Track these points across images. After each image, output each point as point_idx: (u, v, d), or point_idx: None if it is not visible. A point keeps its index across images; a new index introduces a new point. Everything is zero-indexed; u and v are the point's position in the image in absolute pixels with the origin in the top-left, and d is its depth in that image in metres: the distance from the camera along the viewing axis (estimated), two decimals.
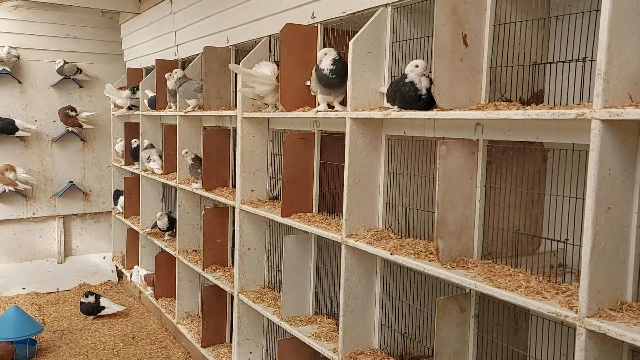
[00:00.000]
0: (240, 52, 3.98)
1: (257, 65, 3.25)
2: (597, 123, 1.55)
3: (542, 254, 2.24)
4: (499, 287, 1.88)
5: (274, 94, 3.19)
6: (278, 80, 3.09)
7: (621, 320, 1.56)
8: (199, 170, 4.12)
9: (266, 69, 3.19)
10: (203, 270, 4.09)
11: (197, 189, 4.16)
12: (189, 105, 4.24)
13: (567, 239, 1.95)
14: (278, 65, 3.13)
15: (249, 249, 3.61)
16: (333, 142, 3.09)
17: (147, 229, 5.23)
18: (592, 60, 1.82)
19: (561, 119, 1.67)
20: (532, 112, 1.76)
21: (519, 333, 2.28)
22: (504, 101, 2.14)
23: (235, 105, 3.72)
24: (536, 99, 2.23)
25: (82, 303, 5.33)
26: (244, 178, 3.57)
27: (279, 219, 3.12)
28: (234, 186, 3.82)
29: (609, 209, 1.60)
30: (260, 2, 3.59)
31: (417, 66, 2.23)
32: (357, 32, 2.55)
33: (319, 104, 2.86)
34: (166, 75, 4.48)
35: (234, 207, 3.69)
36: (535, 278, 1.93)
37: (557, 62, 2.06)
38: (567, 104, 2.03)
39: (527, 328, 2.28)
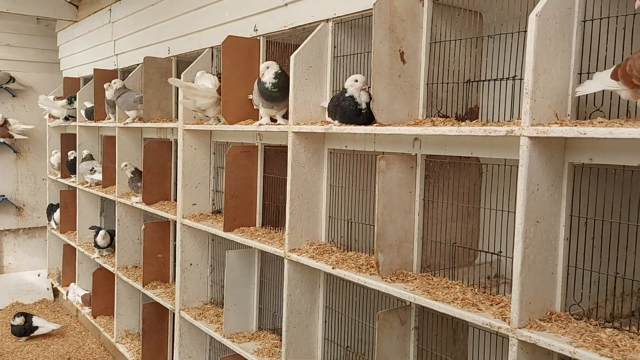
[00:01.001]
0: (182, 62, 3.92)
1: (198, 77, 3.20)
2: (526, 140, 1.61)
3: (480, 265, 2.30)
4: (436, 300, 1.91)
5: (216, 107, 3.14)
6: (220, 93, 3.05)
7: (550, 330, 1.61)
8: (139, 184, 4.00)
9: (207, 82, 3.15)
10: (143, 286, 3.96)
11: (137, 202, 4.04)
12: (129, 117, 4.13)
13: (500, 252, 2.01)
14: (220, 78, 3.09)
15: (190, 264, 3.53)
16: (277, 155, 3.08)
17: (91, 245, 5.03)
18: (521, 79, 1.89)
19: (492, 135, 1.73)
20: (466, 129, 1.81)
21: (457, 343, 2.33)
22: (440, 117, 2.20)
23: (177, 117, 3.65)
24: (471, 114, 2.30)
25: (12, 325, 5.05)
26: (186, 191, 3.49)
27: (221, 233, 3.07)
28: (176, 200, 3.74)
29: (538, 222, 1.66)
30: (202, 13, 3.55)
31: (356, 81, 2.25)
32: (299, 45, 2.56)
33: (261, 117, 2.84)
34: (105, 86, 4.34)
35: (175, 222, 3.61)
36: (472, 290, 1.97)
37: (489, 80, 2.13)
38: (499, 120, 2.11)
39: (466, 338, 2.33)
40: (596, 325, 1.64)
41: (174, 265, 3.93)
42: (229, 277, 3.07)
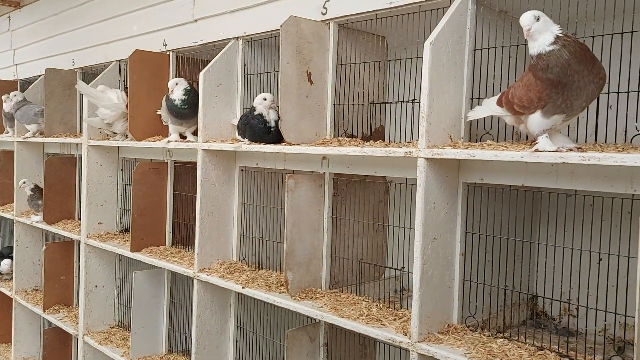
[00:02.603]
0: (88, 75, 3.75)
1: (104, 91, 3.08)
2: (422, 161, 1.69)
3: (387, 279, 2.38)
4: (342, 317, 1.94)
5: (123, 123, 3.04)
6: (127, 108, 2.96)
7: (447, 343, 1.69)
8: (40, 202, 3.77)
9: (113, 95, 3.04)
10: (44, 311, 3.72)
11: (37, 222, 3.80)
12: (29, 131, 3.89)
13: (403, 267, 2.09)
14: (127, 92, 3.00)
15: (96, 286, 3.36)
16: (188, 172, 3.02)
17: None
18: (420, 102, 1.98)
19: (392, 156, 1.80)
20: (368, 150, 1.87)
21: (366, 358, 2.38)
22: (347, 137, 2.26)
23: (82, 132, 3.48)
24: (377, 134, 2.38)
25: None
26: (91, 210, 3.33)
27: (128, 253, 2.96)
28: (80, 219, 3.55)
29: (435, 239, 1.74)
30: (110, 25, 3.43)
31: (264, 99, 2.27)
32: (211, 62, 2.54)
33: (170, 134, 2.78)
34: (3, 97, 4.07)
35: (79, 242, 3.42)
36: (377, 305, 2.03)
37: (391, 102, 2.22)
38: (404, 141, 2.20)
39: (374, 352, 2.39)
40: (489, 335, 1.74)
41: (79, 288, 3.72)
42: (137, 299, 2.95)
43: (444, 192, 1.76)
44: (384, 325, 1.86)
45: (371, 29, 2.27)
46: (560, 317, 2.12)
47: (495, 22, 1.84)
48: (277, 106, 2.20)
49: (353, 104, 2.27)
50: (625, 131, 1.73)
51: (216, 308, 2.61)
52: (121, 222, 3.46)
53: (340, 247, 2.28)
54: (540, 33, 1.40)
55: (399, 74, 2.27)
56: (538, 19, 1.41)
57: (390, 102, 2.22)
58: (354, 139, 2.20)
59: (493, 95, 1.73)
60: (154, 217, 3.01)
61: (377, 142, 2.10)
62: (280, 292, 2.23)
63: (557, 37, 1.38)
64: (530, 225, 2.05)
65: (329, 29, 2.22)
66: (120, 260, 3.43)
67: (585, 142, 1.67)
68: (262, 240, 2.61)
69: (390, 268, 2.19)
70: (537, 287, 2.13)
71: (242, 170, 2.63)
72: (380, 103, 2.31)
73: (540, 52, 1.39)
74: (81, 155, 3.46)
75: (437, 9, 1.89)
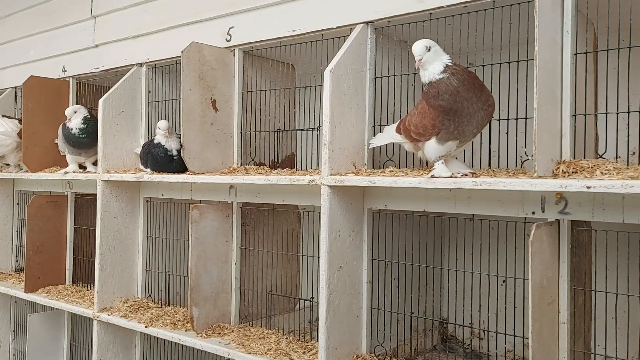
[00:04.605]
0: None
1: None
2: (326, 189, 1.67)
3: (301, 310, 2.32)
4: (250, 353, 1.86)
5: (17, 153, 2.82)
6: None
7: None
8: None
9: (5, 125, 2.82)
10: None
11: None
12: None
13: (312, 297, 2.04)
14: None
15: None
16: (89, 204, 2.83)
17: None
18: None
19: (297, 184, 1.76)
20: (273, 178, 1.83)
21: None
22: (255, 165, 2.21)
23: None
24: (288, 162, 2.35)
25: None
26: None
27: (22, 294, 2.72)
28: None
29: (341, 267, 1.71)
30: (4, 49, 3.22)
31: (159, 128, 2.18)
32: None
33: (69, 165, 2.61)
34: None
35: None
36: (287, 338, 1.96)
37: (299, 130, 2.20)
38: (312, 168, 2.18)
39: None
40: None
41: None
42: (32, 344, 2.71)
43: (349, 220, 1.74)
44: (292, 359, 1.79)
45: (279, 56, 2.26)
46: (470, 340, 2.15)
47: (394, 50, 1.87)
48: (180, 134, 2.12)
49: (260, 132, 2.23)
50: (521, 156, 1.80)
51: (119, 350, 2.44)
52: (17, 261, 3.19)
53: (250, 279, 2.20)
54: (431, 63, 1.42)
55: (308, 101, 2.26)
56: (429, 49, 1.44)
57: (298, 130, 2.20)
58: (261, 167, 2.16)
59: (394, 123, 1.75)
60: (53, 254, 2.80)
61: (284, 170, 2.07)
62: (186, 330, 2.12)
63: (447, 65, 1.41)
64: (440, 251, 2.08)
65: (234, 55, 2.18)
66: (15, 302, 3.15)
67: (481, 167, 1.72)
68: (170, 274, 2.48)
69: (299, 299, 2.13)
70: (448, 312, 2.15)
71: (147, 202, 2.51)
72: (288, 130, 2.28)
73: (431, 80, 1.42)
74: None
75: (339, 37, 1.90)
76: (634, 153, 1.62)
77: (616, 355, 1.56)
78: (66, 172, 2.56)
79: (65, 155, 2.66)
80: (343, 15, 1.84)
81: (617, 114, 1.47)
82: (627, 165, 1.38)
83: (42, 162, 2.75)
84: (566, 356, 1.43)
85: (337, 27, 1.87)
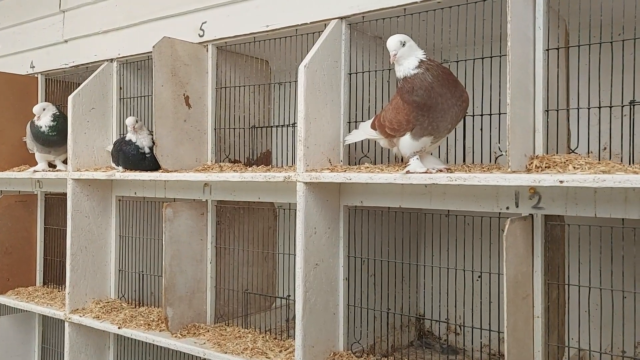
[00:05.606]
0: None
1: None
2: (302, 185, 1.65)
3: (278, 309, 2.30)
4: (226, 353, 1.83)
5: None
6: None
7: None
8: None
9: None
10: None
11: None
12: None
13: (289, 295, 2.02)
14: None
15: None
16: (60, 204, 2.77)
17: None
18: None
19: (273, 181, 1.74)
20: (248, 175, 1.81)
21: None
22: (230, 162, 2.18)
23: None
24: (263, 159, 2.32)
25: None
26: None
27: None
28: None
29: (317, 265, 1.70)
30: None
31: (127, 124, 2.13)
32: None
33: (38, 163, 2.54)
34: None
35: None
36: (263, 337, 1.94)
37: (274, 126, 2.18)
38: (288, 165, 2.16)
39: None
40: None
41: None
42: (2, 347, 2.65)
43: (325, 216, 1.73)
44: (269, 358, 1.77)
45: (253, 52, 2.23)
46: (446, 335, 2.16)
47: (369, 46, 1.86)
48: (152, 131, 2.08)
49: (235, 128, 2.20)
50: (495, 152, 1.81)
51: (92, 352, 2.39)
52: None
53: (226, 278, 2.17)
54: (405, 58, 1.42)
55: (283, 97, 2.24)
56: (404, 44, 1.43)
57: (273, 127, 2.18)
58: (236, 164, 2.13)
59: (369, 119, 1.74)
60: (22, 255, 2.72)
61: (260, 167, 2.04)
62: (160, 331, 2.08)
63: (422, 61, 1.41)
64: (416, 247, 2.08)
65: (207, 51, 2.15)
66: None
67: (456, 163, 1.72)
68: (143, 274, 2.43)
69: (276, 297, 2.11)
70: (425, 308, 2.16)
71: (119, 200, 2.46)
72: (263, 127, 2.26)
73: (406, 75, 1.41)
74: None
75: (314, 32, 1.88)
76: (605, 148, 1.65)
77: (589, 347, 1.59)
78: (35, 171, 2.49)
79: (34, 154, 2.59)
80: (317, 10, 1.82)
81: (589, 109, 1.48)
82: (599, 160, 1.39)
83: (10, 160, 2.68)
84: (540, 350, 1.45)
85: (311, 23, 1.85)
